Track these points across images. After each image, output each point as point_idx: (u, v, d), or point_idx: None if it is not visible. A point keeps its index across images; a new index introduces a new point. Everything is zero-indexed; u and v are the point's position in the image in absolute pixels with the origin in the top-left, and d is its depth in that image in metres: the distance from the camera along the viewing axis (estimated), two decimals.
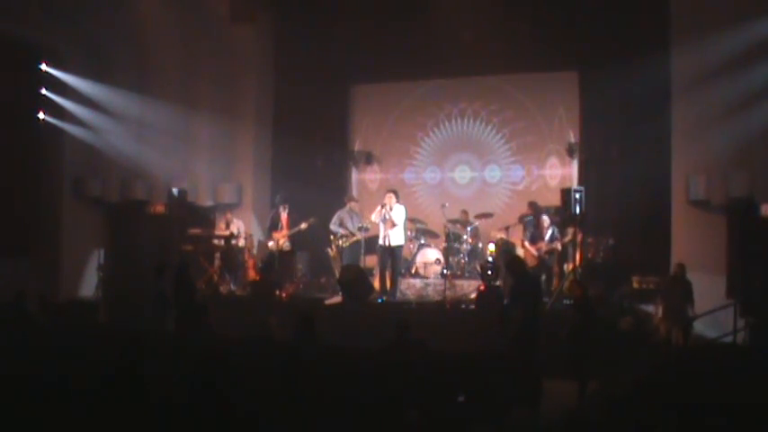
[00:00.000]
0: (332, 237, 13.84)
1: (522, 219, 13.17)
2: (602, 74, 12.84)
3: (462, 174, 15.48)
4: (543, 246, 12.22)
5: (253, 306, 12.19)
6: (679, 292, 10.63)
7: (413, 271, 13.61)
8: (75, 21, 13.89)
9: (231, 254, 13.89)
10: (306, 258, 14.83)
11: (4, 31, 13.16)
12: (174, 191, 14.24)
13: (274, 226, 13.81)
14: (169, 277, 10.81)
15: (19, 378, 5.98)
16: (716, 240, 12.01)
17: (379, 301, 12.57)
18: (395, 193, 12.87)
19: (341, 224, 13.55)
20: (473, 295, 12.30)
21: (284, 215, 13.68)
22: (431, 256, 13.60)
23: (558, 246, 12.20)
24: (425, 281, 13.23)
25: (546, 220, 12.31)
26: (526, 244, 12.46)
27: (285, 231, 13.60)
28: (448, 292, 12.69)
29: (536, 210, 13.09)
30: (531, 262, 12.40)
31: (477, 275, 12.81)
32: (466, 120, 15.41)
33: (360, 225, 13.45)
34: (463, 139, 15.44)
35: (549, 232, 12.27)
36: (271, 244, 13.89)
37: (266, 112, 15.61)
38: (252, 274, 13.74)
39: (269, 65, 15.64)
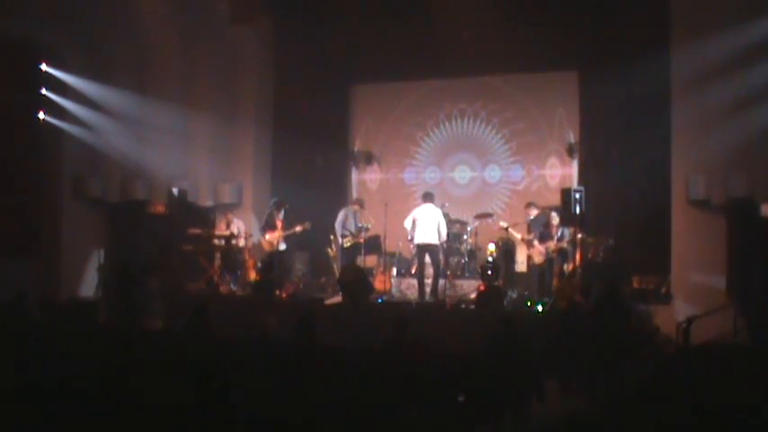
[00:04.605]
0: (332, 237, 13.84)
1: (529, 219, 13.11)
2: (602, 74, 12.83)
3: (462, 174, 15.48)
4: (552, 245, 12.18)
5: (253, 306, 12.18)
6: None
7: (413, 271, 13.60)
8: (75, 21, 13.89)
9: (231, 254, 13.88)
10: (306, 258, 14.84)
11: (4, 31, 13.17)
12: (174, 191, 14.23)
13: (269, 226, 13.79)
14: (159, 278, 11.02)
15: (19, 378, 5.98)
16: (716, 240, 12.01)
17: (379, 301, 12.59)
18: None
19: (344, 224, 13.55)
20: (473, 295, 12.31)
21: (279, 216, 13.66)
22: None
23: (566, 245, 12.13)
24: (426, 281, 13.20)
25: (555, 218, 12.25)
26: (535, 242, 12.42)
27: (280, 232, 13.58)
28: (448, 292, 12.71)
29: (539, 208, 13.05)
30: (537, 259, 12.40)
31: (477, 275, 12.81)
32: (466, 120, 15.41)
33: (361, 225, 13.46)
34: (463, 139, 15.44)
35: (560, 232, 12.19)
36: (263, 242, 13.87)
37: (266, 112, 15.61)
38: (252, 274, 13.73)
39: (269, 65, 15.64)
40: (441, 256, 13.01)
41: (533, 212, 12.90)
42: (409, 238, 12.91)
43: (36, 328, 9.60)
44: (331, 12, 14.54)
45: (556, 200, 12.61)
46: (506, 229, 12.98)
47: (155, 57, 14.84)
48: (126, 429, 5.01)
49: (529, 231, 12.87)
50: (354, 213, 13.67)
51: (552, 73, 14.67)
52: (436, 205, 13.03)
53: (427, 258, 12.92)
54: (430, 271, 13.48)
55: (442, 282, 13.04)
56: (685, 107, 12.21)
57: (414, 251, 13.04)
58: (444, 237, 12.83)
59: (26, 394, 5.52)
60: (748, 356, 8.94)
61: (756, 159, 11.66)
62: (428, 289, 12.98)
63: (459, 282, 13.13)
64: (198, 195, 14.90)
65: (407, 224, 12.76)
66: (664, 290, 12.37)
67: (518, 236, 12.83)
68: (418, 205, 13.08)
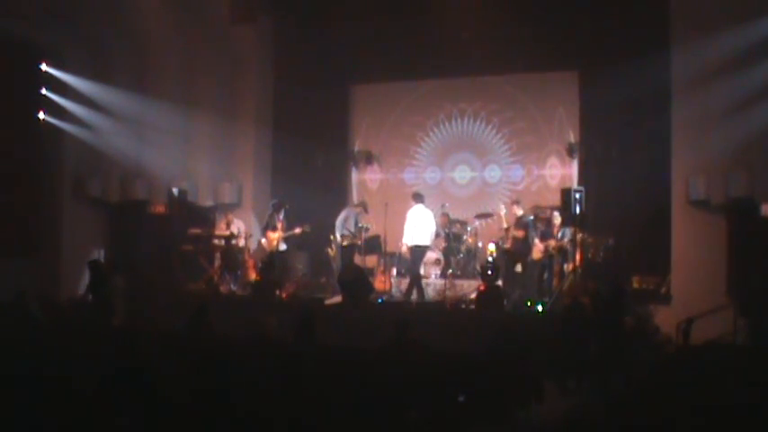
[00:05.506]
0: (332, 237, 13.84)
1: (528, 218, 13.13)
2: (602, 74, 12.84)
3: (462, 174, 15.49)
4: (553, 243, 12.17)
5: (253, 306, 12.19)
6: None
7: None
8: (75, 21, 13.90)
9: (231, 254, 13.88)
10: (306, 258, 14.84)
11: (4, 30, 13.17)
12: (174, 191, 14.24)
13: (270, 227, 13.78)
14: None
15: (19, 378, 5.98)
16: (716, 240, 12.02)
17: (379, 301, 12.60)
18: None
19: (344, 223, 13.56)
20: (473, 295, 12.30)
21: (279, 217, 13.65)
22: (431, 256, 13.62)
23: (566, 244, 12.10)
24: (425, 281, 13.22)
25: (557, 217, 12.23)
26: (536, 240, 12.43)
27: (280, 233, 13.56)
28: (448, 292, 12.71)
29: (523, 208, 13.09)
30: (536, 255, 12.41)
31: (478, 275, 12.81)
32: (466, 120, 15.41)
33: (361, 225, 13.46)
34: (463, 139, 15.44)
35: (561, 232, 12.16)
36: (263, 242, 13.87)
37: (266, 112, 15.61)
38: (252, 274, 13.73)
39: (269, 65, 15.64)
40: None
41: (519, 211, 12.90)
42: (405, 239, 12.98)
43: (36, 328, 9.61)
44: (331, 11, 14.54)
45: (556, 200, 12.61)
46: (506, 229, 12.99)
47: (155, 57, 14.85)
48: (126, 429, 5.01)
49: (517, 228, 12.81)
50: (357, 215, 13.68)
51: (552, 73, 14.68)
52: (427, 206, 13.10)
53: (425, 258, 13.04)
54: (430, 271, 13.52)
55: (441, 282, 13.07)
56: (685, 107, 12.21)
57: (408, 252, 13.06)
58: (434, 237, 13.03)
59: (26, 394, 5.52)
60: (748, 356, 8.95)
61: (756, 159, 11.66)
62: (429, 289, 13.02)
63: (459, 282, 13.12)
64: (198, 195, 14.90)
65: (409, 227, 12.84)
66: (664, 290, 12.37)
67: (519, 235, 12.79)
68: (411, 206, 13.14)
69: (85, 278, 14.57)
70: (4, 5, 12.92)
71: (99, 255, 14.79)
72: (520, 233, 12.67)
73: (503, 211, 13.23)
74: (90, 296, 11.42)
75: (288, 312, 10.71)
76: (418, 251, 12.80)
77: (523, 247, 12.64)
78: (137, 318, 12.42)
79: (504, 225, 13.03)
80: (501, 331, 8.76)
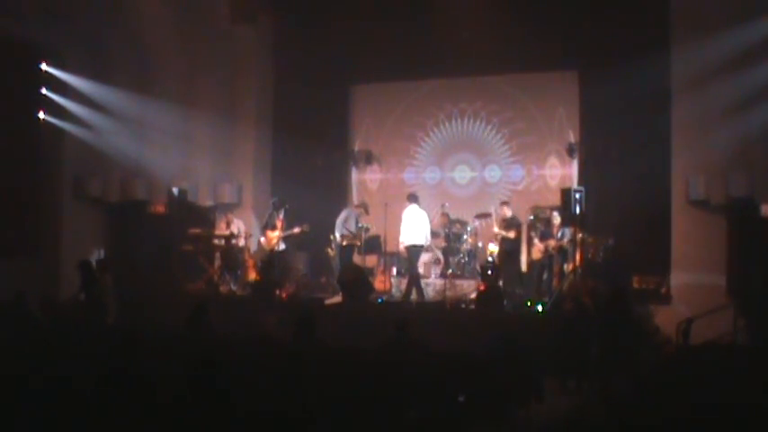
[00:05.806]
0: (332, 237, 13.84)
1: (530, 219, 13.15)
2: (602, 74, 12.83)
3: (462, 174, 15.49)
4: (552, 243, 12.17)
5: (253, 306, 12.19)
6: None
7: None
8: (75, 21, 13.90)
9: (231, 254, 13.88)
10: (306, 258, 14.85)
11: (4, 31, 13.17)
12: (174, 191, 14.25)
13: (269, 225, 13.78)
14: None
15: (19, 378, 5.98)
16: (716, 240, 12.02)
17: (379, 301, 12.60)
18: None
19: (345, 223, 13.56)
20: (473, 295, 12.31)
21: (279, 217, 13.64)
22: (431, 255, 13.63)
23: (566, 244, 12.09)
24: (425, 281, 13.24)
25: (557, 217, 12.24)
26: (535, 240, 12.44)
27: (279, 233, 13.56)
28: (448, 292, 12.71)
29: (535, 209, 13.12)
30: (536, 255, 12.41)
31: (477, 275, 12.82)
32: (466, 120, 15.41)
33: (361, 226, 13.47)
34: (463, 139, 15.45)
35: (560, 232, 12.16)
36: (263, 240, 13.87)
37: (266, 112, 15.61)
38: (252, 274, 13.74)
39: (269, 65, 15.64)
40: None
41: (508, 212, 12.91)
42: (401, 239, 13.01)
43: (36, 328, 9.61)
44: (331, 11, 14.54)
45: (556, 200, 12.61)
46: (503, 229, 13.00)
47: (155, 57, 14.84)
48: (126, 429, 5.01)
49: (508, 229, 12.81)
50: (357, 215, 13.69)
51: (552, 73, 14.69)
52: (422, 206, 13.18)
53: (423, 258, 13.04)
54: (430, 271, 13.54)
55: (441, 282, 13.08)
56: (685, 107, 12.21)
57: (405, 252, 13.07)
58: (429, 237, 13.07)
59: (26, 394, 5.52)
60: (748, 356, 8.95)
61: (756, 159, 11.67)
62: (429, 289, 13.03)
63: (459, 282, 13.14)
64: (198, 195, 14.90)
65: (404, 227, 12.89)
66: (664, 290, 12.38)
67: (511, 235, 12.78)
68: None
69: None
70: (4, 5, 12.92)
71: (99, 255, 14.79)
72: (511, 233, 12.69)
73: (493, 214, 13.27)
74: (82, 296, 11.47)
75: (288, 312, 10.71)
76: (414, 251, 12.82)
77: (515, 246, 12.68)
78: (130, 317, 12.41)
79: (495, 228, 13.04)
80: (501, 331, 8.76)
